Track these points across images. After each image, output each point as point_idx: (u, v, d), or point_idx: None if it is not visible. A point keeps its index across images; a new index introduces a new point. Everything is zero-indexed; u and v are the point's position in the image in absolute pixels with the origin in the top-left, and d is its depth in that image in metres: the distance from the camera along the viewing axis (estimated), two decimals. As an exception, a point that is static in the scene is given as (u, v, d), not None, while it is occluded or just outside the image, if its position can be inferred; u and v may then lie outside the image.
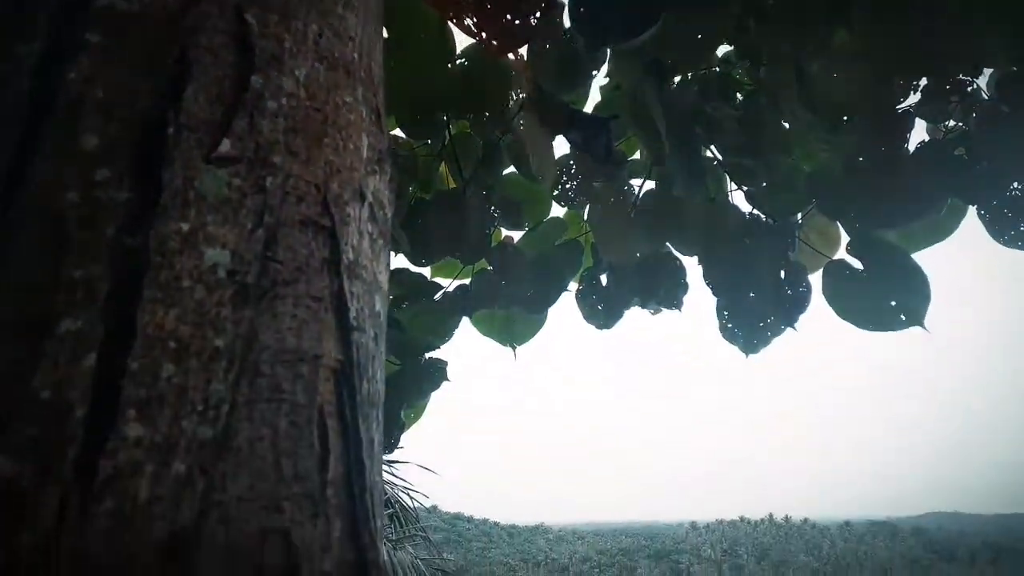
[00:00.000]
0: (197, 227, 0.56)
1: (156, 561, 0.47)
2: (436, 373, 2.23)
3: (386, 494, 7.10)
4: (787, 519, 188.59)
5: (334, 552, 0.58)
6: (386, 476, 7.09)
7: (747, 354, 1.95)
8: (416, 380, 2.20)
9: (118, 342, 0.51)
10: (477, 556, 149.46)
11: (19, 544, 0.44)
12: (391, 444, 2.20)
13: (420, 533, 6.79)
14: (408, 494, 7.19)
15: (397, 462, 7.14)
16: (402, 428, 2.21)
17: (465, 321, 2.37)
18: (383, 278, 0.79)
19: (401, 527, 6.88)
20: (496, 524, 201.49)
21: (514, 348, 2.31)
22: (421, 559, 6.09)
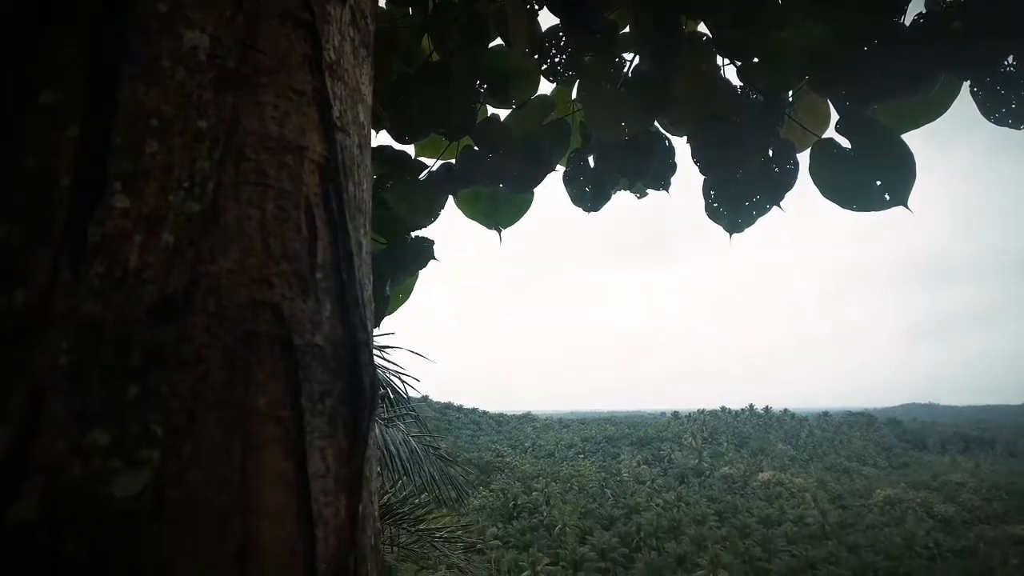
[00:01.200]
0: (175, 8, 0.57)
1: (148, 321, 0.49)
2: (422, 251, 2.23)
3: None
4: (767, 410, 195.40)
5: (325, 329, 0.60)
6: (377, 360, 7.22)
7: (731, 233, 1.96)
8: (402, 258, 2.21)
9: (101, 116, 0.52)
10: (467, 442, 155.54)
11: (14, 301, 0.46)
12: (378, 316, 2.20)
13: (411, 414, 7.03)
14: (400, 378, 7.37)
15: (388, 347, 7.27)
16: (388, 305, 2.21)
17: (453, 206, 2.37)
18: (367, 91, 0.79)
19: (392, 408, 7.10)
20: (485, 413, 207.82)
21: (499, 231, 2.32)
22: (412, 435, 6.33)
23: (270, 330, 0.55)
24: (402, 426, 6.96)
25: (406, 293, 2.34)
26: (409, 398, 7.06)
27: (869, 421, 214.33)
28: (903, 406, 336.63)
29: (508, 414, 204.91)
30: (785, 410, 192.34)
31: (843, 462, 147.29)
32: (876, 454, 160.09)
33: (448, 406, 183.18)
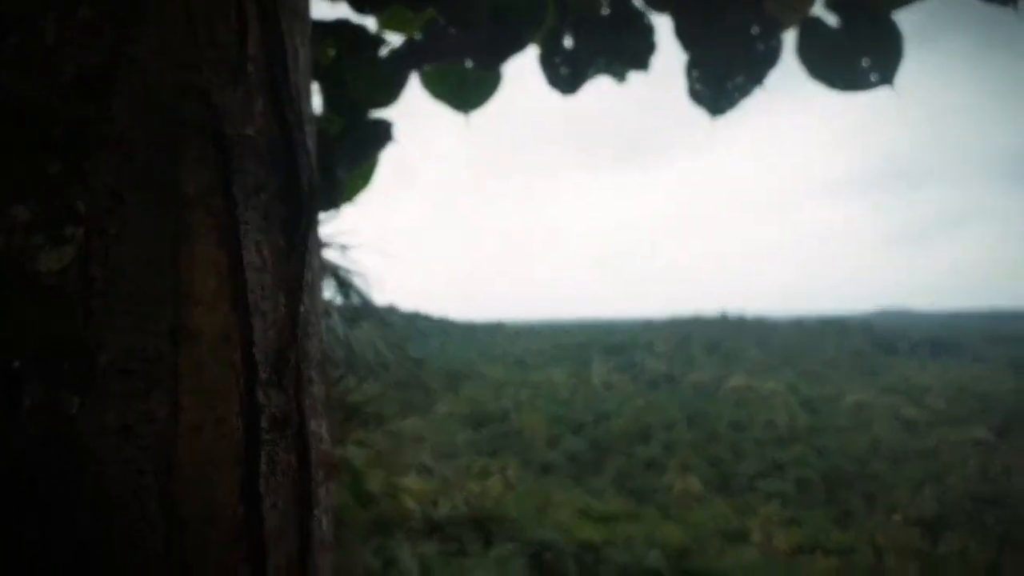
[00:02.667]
0: None
1: (69, 97, 0.50)
2: (381, 133, 2.17)
3: (339, 277, 6.58)
4: (740, 316, 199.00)
5: (257, 123, 0.60)
6: (339, 260, 6.57)
7: (713, 115, 1.99)
8: (359, 139, 2.16)
9: None
10: (436, 351, 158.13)
11: None
12: (332, 200, 2.16)
13: (375, 314, 6.37)
14: (362, 276, 6.68)
15: (350, 246, 6.70)
16: (346, 189, 2.17)
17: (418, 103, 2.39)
18: None
19: (354, 307, 6.47)
20: (454, 322, 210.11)
21: (467, 114, 2.26)
22: (377, 336, 5.68)
23: (199, 115, 0.56)
24: (367, 327, 6.35)
25: (365, 179, 2.30)
26: (372, 299, 6.39)
27: (842, 327, 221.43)
28: (876, 312, 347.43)
29: (478, 322, 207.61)
30: (758, 316, 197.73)
31: (814, 367, 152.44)
32: (847, 359, 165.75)
33: (416, 315, 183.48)
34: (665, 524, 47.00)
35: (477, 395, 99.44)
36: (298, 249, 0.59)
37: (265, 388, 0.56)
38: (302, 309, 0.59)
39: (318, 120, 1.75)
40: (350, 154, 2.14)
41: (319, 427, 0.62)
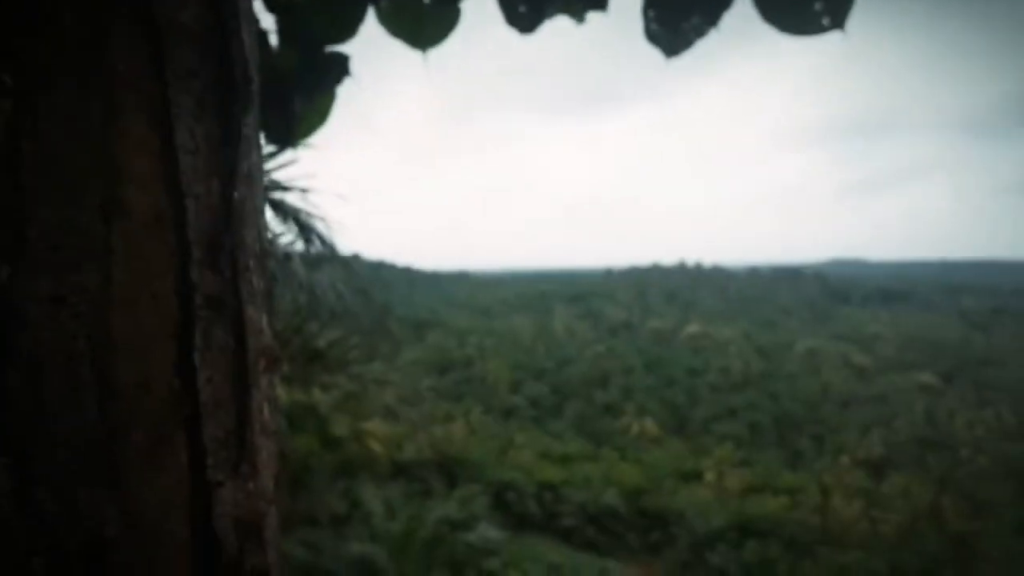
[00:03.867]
0: None
1: None
2: (337, 67, 2.15)
3: (300, 221, 6.69)
4: (698, 265, 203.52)
5: (191, 10, 0.59)
6: (299, 204, 6.66)
7: (668, 55, 1.98)
8: (315, 74, 2.13)
9: None
10: (401, 300, 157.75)
11: None
12: (289, 135, 2.10)
13: (338, 259, 6.50)
14: (324, 221, 6.80)
15: (311, 190, 6.78)
16: (300, 123, 2.14)
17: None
18: None
19: (316, 252, 6.60)
20: (419, 271, 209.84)
21: (424, 51, 2.22)
22: (339, 280, 5.84)
23: (131, 0, 0.56)
24: (328, 272, 6.48)
25: (323, 115, 2.25)
26: (334, 243, 6.51)
27: (796, 276, 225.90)
28: (830, 261, 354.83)
29: (443, 272, 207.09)
30: (715, 265, 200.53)
31: (769, 316, 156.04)
32: (801, 308, 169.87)
33: (381, 264, 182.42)
34: (622, 465, 48.51)
35: (442, 343, 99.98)
36: (233, 137, 0.60)
37: (199, 268, 0.57)
38: (237, 196, 0.60)
39: (275, 55, 1.79)
40: (306, 89, 2.11)
41: (258, 317, 0.63)
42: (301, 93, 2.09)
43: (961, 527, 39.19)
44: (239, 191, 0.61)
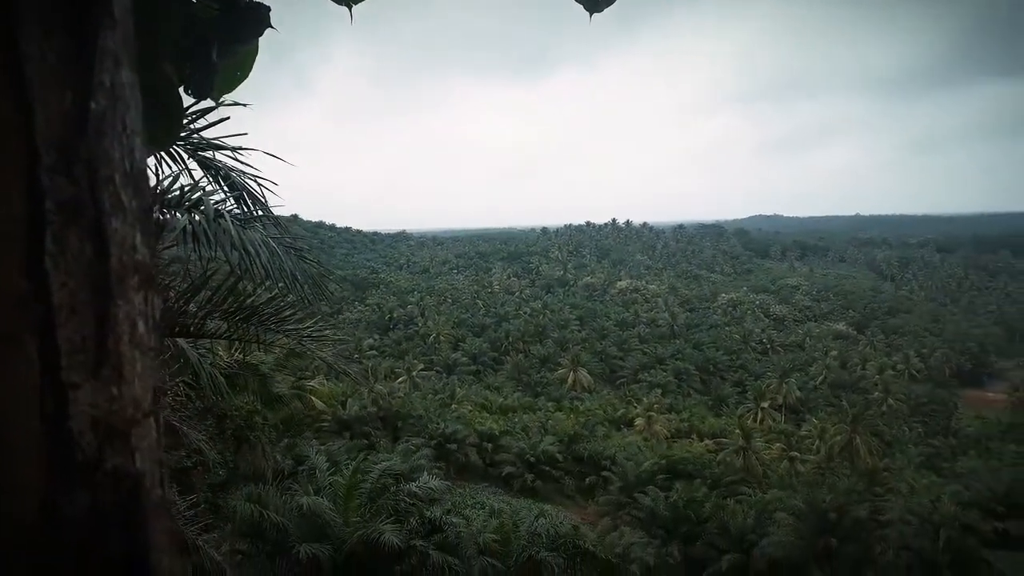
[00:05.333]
0: None
1: None
2: (257, 18, 2.02)
3: (231, 179, 6.97)
4: (628, 223, 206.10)
5: None
6: (230, 162, 6.89)
7: (591, 12, 1.92)
8: (233, 25, 1.99)
9: None
10: (341, 260, 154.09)
11: None
12: (206, 86, 1.97)
13: (268, 216, 6.78)
14: (256, 181, 7.04)
15: (244, 149, 6.91)
16: (218, 75, 2.01)
17: None
18: None
19: (248, 211, 6.83)
20: (359, 232, 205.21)
21: (350, 7, 2.14)
22: (272, 237, 6.14)
23: None
24: (260, 227, 6.72)
25: (244, 70, 2.13)
26: (266, 200, 6.74)
27: (719, 232, 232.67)
28: (751, 218, 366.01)
29: (383, 232, 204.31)
30: (644, 223, 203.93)
31: (694, 270, 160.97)
32: (724, 262, 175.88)
33: (320, 225, 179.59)
34: (558, 414, 49.84)
35: (383, 302, 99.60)
36: (87, 50, 0.60)
37: (49, 174, 0.57)
38: (94, 107, 0.60)
39: (194, 5, 1.75)
40: (225, 39, 2.00)
41: (129, 233, 0.64)
42: (221, 44, 1.97)
43: (872, 464, 41.74)
44: (97, 103, 0.61)
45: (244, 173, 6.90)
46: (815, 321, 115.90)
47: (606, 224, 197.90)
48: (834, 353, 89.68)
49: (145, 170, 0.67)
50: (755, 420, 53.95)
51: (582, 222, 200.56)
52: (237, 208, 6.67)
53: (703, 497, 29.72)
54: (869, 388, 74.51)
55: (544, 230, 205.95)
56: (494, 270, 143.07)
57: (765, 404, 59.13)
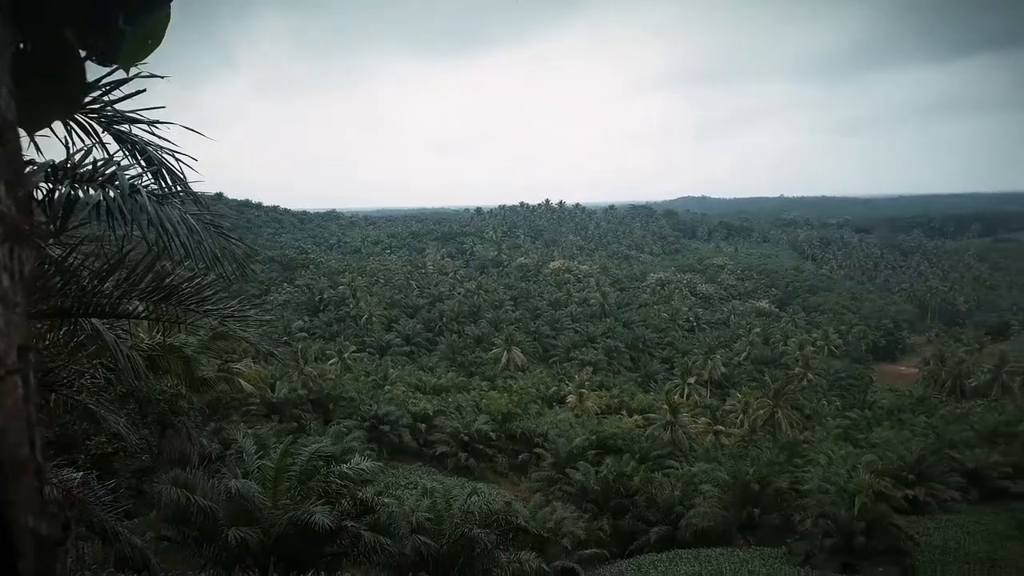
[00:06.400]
0: None
1: None
2: None
3: (148, 154, 6.76)
4: (561, 204, 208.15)
5: None
6: (148, 136, 6.67)
7: None
8: None
9: None
10: (268, 240, 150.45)
11: None
12: (112, 53, 1.91)
13: (187, 192, 6.58)
14: (175, 156, 6.82)
15: (162, 122, 6.68)
16: (127, 42, 1.93)
17: None
18: None
19: (167, 187, 6.62)
20: (287, 211, 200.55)
21: None
22: (190, 214, 5.97)
23: None
24: (179, 204, 6.52)
25: (156, 37, 2.05)
26: (185, 176, 6.54)
27: (649, 213, 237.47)
28: (680, 199, 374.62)
29: (312, 211, 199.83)
30: (577, 204, 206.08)
31: (624, 250, 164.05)
32: (653, 242, 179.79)
33: (246, 204, 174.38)
34: (492, 393, 50.06)
35: (313, 283, 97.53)
36: None
37: None
38: None
39: None
40: (131, 5, 1.89)
41: None
42: (127, 9, 1.87)
43: (793, 436, 43.49)
44: None
45: (162, 148, 6.69)
46: (739, 299, 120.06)
47: (540, 205, 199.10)
48: (757, 330, 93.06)
49: (12, 121, 0.64)
50: (682, 395, 55.45)
51: (516, 203, 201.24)
52: (154, 184, 6.47)
53: (632, 471, 30.31)
54: (790, 363, 77.60)
55: (478, 210, 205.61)
56: (428, 250, 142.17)
57: (692, 380, 60.84)
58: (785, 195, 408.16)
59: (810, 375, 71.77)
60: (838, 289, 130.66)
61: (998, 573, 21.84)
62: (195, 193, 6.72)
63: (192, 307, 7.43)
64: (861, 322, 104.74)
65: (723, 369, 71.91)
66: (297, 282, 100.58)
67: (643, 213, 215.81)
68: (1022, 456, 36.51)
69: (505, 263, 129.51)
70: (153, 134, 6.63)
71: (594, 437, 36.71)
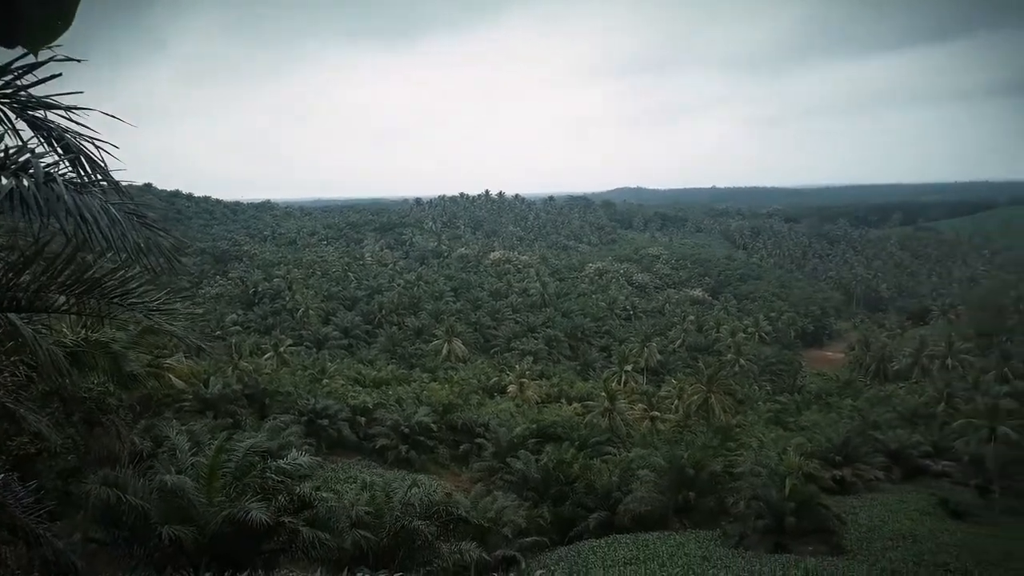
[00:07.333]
0: None
1: None
2: None
3: (65, 141, 6.53)
4: (501, 195, 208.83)
5: None
6: (65, 123, 6.43)
7: None
8: None
9: None
10: (199, 232, 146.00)
11: None
12: (16, 34, 1.90)
13: (109, 181, 6.36)
14: (94, 143, 6.58)
15: (80, 108, 6.43)
16: (37, 21, 1.93)
17: None
18: None
19: (86, 176, 6.37)
20: (219, 202, 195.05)
21: None
22: (112, 204, 5.76)
23: None
24: (100, 195, 6.30)
25: (65, 19, 2.00)
26: (106, 165, 6.30)
27: (587, 204, 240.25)
28: (616, 190, 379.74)
29: (245, 202, 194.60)
30: (516, 195, 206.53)
31: (563, 240, 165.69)
32: (591, 233, 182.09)
33: (176, 194, 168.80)
34: (433, 385, 49.88)
35: (246, 275, 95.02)
36: None
37: None
38: None
39: None
40: None
41: None
42: None
43: (726, 420, 44.70)
44: None
45: (81, 135, 6.44)
46: (674, 288, 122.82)
47: (479, 196, 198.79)
48: (691, 318, 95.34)
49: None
50: (619, 383, 56.34)
51: (456, 193, 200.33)
52: (73, 173, 6.23)
53: (572, 458, 30.70)
54: (723, 350, 79.76)
55: (417, 201, 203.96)
56: (366, 242, 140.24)
57: (629, 367, 61.86)
58: (718, 186, 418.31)
59: (742, 361, 73.92)
60: (768, 277, 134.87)
61: (918, 547, 23.02)
62: (117, 182, 6.46)
63: (116, 301, 7.20)
64: (790, 309, 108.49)
65: (659, 356, 73.40)
66: (230, 275, 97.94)
67: (581, 204, 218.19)
68: (941, 436, 38.63)
69: (445, 254, 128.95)
70: (72, 120, 6.35)
71: (534, 426, 37.02)
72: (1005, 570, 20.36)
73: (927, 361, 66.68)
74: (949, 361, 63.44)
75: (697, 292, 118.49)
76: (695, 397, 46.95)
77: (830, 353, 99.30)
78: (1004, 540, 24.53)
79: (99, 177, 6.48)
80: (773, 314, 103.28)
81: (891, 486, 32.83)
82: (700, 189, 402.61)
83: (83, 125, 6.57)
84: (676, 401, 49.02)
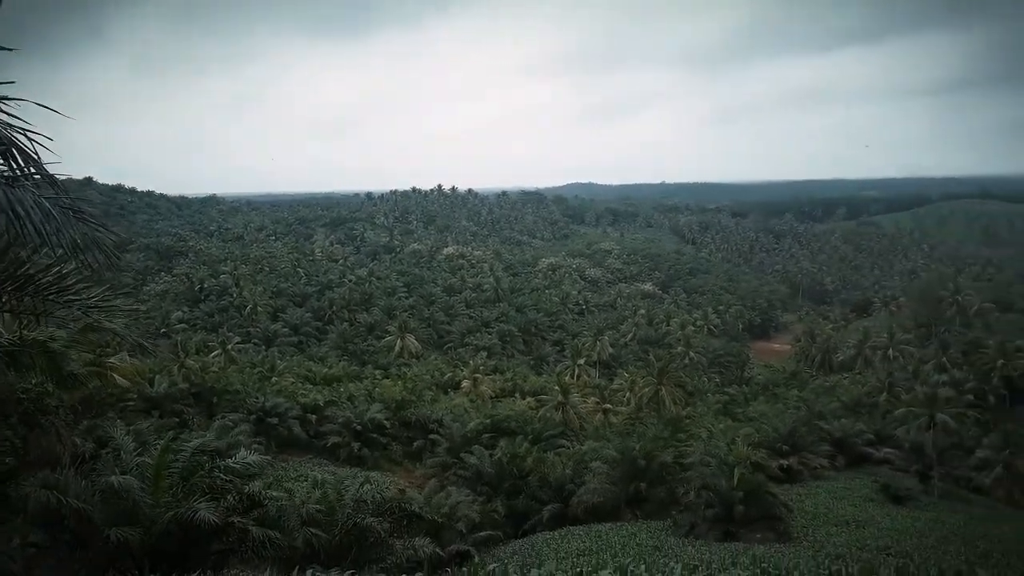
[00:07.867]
0: None
1: None
2: None
3: None
4: (453, 189, 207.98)
5: None
6: None
7: None
8: None
9: None
10: (143, 227, 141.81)
11: None
12: None
13: (43, 174, 6.20)
14: (26, 135, 6.40)
15: (10, 99, 6.26)
16: None
17: None
18: None
19: (20, 168, 6.19)
20: (163, 196, 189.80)
21: None
22: (46, 198, 5.60)
23: None
24: (33, 189, 6.13)
25: None
26: (40, 158, 6.11)
27: (540, 199, 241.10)
28: (568, 185, 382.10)
29: (190, 196, 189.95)
30: (469, 190, 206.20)
31: (516, 236, 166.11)
32: (544, 228, 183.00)
33: (118, 189, 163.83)
34: (385, 382, 49.43)
35: (192, 272, 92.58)
36: None
37: None
38: None
39: None
40: None
41: None
42: None
43: (676, 412, 45.44)
44: None
45: (12, 127, 6.22)
46: (625, 282, 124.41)
47: (432, 190, 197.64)
48: (642, 312, 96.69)
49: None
50: (572, 376, 56.84)
51: (408, 188, 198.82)
52: (3, 165, 6.02)
53: (525, 452, 30.82)
54: (673, 343, 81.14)
55: (369, 195, 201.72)
56: (316, 237, 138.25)
57: (581, 361, 62.45)
58: (667, 181, 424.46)
59: (691, 354, 75.27)
60: (716, 271, 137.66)
61: (861, 533, 23.83)
62: (52, 175, 6.25)
63: (52, 298, 6.99)
64: (738, 302, 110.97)
65: (611, 350, 74.27)
66: (175, 271, 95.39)
67: (534, 199, 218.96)
68: (883, 424, 40.03)
69: (398, 249, 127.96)
70: (2, 111, 6.11)
71: (488, 420, 37.05)
72: (943, 552, 21.20)
73: (870, 352, 68.78)
74: (891, 351, 65.49)
75: (648, 286, 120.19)
76: (646, 389, 47.56)
77: (777, 345, 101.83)
78: (942, 524, 25.58)
79: (32, 170, 6.27)
80: (721, 307, 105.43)
81: (835, 474, 33.85)
82: (650, 184, 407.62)
83: (14, 116, 6.34)
84: (628, 394, 49.63)
